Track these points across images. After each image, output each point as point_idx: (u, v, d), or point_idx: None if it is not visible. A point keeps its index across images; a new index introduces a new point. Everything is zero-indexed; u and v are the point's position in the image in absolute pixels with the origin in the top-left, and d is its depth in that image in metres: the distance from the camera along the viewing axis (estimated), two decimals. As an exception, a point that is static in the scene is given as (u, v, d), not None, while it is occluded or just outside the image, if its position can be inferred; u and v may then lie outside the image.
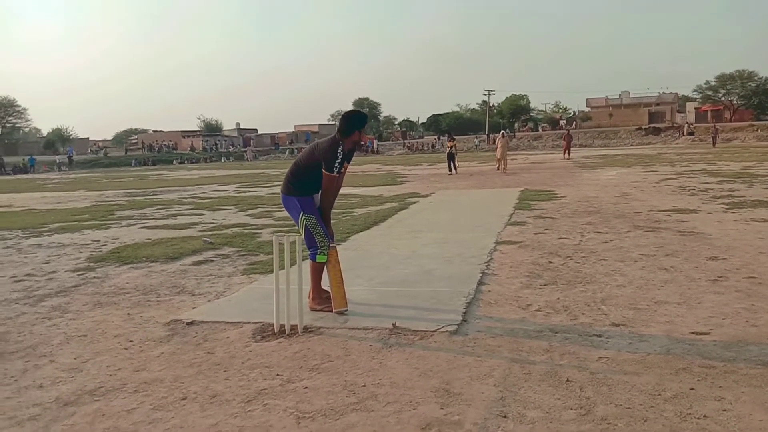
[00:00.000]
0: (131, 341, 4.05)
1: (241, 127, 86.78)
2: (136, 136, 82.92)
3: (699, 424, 2.60)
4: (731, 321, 3.98)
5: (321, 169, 4.40)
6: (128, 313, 4.74)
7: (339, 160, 4.40)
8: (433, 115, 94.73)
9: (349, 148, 4.49)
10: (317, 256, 4.46)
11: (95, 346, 3.99)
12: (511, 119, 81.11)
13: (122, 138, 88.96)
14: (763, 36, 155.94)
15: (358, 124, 4.55)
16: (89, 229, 10.02)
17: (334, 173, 4.43)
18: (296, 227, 4.61)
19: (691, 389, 2.95)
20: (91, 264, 6.79)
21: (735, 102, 71.65)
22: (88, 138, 78.05)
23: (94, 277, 6.10)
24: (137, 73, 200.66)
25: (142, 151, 63.87)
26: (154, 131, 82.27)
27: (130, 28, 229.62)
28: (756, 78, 70.34)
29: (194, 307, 4.84)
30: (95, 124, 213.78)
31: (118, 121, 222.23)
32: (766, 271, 5.26)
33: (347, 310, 4.45)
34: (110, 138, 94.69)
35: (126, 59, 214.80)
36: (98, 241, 8.60)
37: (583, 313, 4.27)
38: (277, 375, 3.36)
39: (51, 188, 24.19)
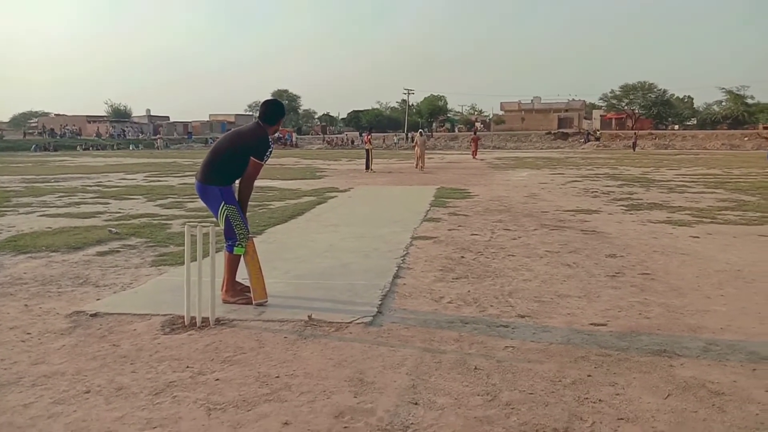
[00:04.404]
0: (29, 333, 3.82)
1: (152, 114, 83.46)
2: (36, 120, 77.96)
3: (595, 408, 2.79)
4: (626, 313, 4.27)
5: (245, 157, 4.34)
6: (26, 305, 4.46)
7: (270, 149, 4.43)
8: (354, 111, 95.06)
9: (271, 135, 4.46)
10: (235, 248, 4.37)
11: (-13, 338, 3.73)
12: (429, 119, 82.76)
13: (20, 121, 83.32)
14: (663, 51, 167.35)
15: (281, 113, 4.57)
16: (-19, 216, 9.32)
17: (264, 161, 4.40)
18: (210, 218, 4.51)
19: (589, 376, 3.15)
20: (-16, 253, 6.33)
21: (637, 111, 76.49)
22: (-19, 119, 72.52)
23: (-13, 267, 5.69)
24: (40, 54, 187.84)
25: (43, 136, 60.01)
26: (56, 115, 77.59)
27: (30, 6, 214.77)
28: (656, 89, 75.64)
29: (98, 299, 4.63)
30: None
31: (15, 102, 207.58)
32: (658, 268, 5.67)
33: (267, 301, 4.40)
34: (6, 120, 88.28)
35: (28, 39, 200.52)
36: (-8, 228, 8.02)
37: (492, 305, 4.44)
38: (187, 367, 3.28)
39: (-63, 172, 22.26)
